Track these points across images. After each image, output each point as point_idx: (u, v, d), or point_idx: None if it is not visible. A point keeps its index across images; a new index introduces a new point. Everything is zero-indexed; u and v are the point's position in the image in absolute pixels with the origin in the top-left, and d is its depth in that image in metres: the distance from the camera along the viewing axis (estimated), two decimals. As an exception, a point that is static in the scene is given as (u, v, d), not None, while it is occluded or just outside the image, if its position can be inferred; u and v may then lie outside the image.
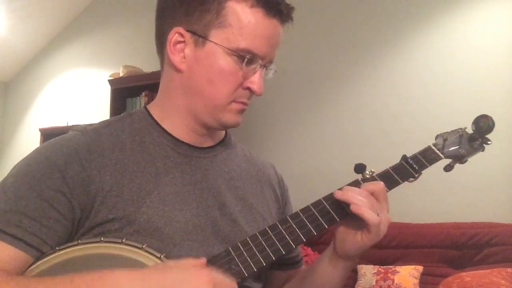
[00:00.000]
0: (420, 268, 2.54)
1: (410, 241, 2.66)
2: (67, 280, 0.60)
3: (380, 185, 0.77)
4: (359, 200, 0.74)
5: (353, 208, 0.74)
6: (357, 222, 0.76)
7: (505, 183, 2.64)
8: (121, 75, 3.73)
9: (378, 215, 0.74)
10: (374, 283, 2.53)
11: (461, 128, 0.89)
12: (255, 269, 0.72)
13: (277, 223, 0.77)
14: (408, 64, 3.04)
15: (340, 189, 0.78)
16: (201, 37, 0.77)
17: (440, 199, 2.77)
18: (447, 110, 2.80)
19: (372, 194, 0.76)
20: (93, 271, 0.61)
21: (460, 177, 2.64)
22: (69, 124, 4.19)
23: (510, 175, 2.63)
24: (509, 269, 2.18)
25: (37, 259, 0.67)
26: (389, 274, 2.53)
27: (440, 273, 2.48)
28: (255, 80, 0.79)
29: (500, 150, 2.50)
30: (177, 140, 0.83)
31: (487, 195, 2.67)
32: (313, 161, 3.30)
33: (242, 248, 0.73)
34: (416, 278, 2.49)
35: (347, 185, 0.80)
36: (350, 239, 0.78)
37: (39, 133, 4.32)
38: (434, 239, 2.60)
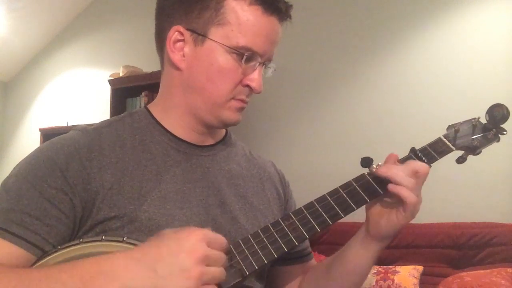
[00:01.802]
0: (420, 268, 2.53)
1: (410, 241, 2.65)
2: (67, 266, 0.60)
3: (426, 168, 0.76)
4: (402, 178, 0.74)
5: (391, 187, 0.74)
6: (391, 201, 0.76)
7: (505, 183, 2.63)
8: (121, 75, 3.72)
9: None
10: (374, 283, 2.52)
11: (474, 118, 0.85)
12: (256, 267, 0.71)
13: (279, 219, 0.76)
14: (408, 63, 3.04)
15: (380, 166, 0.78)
16: (200, 35, 0.77)
17: (440, 199, 2.77)
18: (448, 109, 2.80)
19: (416, 173, 0.75)
20: (92, 258, 0.61)
21: (460, 177, 2.64)
22: (69, 124, 4.18)
23: (510, 175, 2.63)
24: (509, 269, 2.18)
25: (39, 258, 0.67)
26: (389, 274, 2.53)
27: (440, 273, 2.47)
28: (255, 78, 0.79)
29: (500, 150, 2.49)
30: (178, 138, 0.83)
31: (487, 195, 2.66)
32: (314, 160, 3.29)
33: (243, 246, 0.72)
34: (416, 278, 2.48)
35: (353, 180, 0.79)
36: (385, 220, 0.78)
37: (39, 133, 4.31)
38: (434, 239, 2.60)
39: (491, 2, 2.80)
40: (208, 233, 0.62)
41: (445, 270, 2.49)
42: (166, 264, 0.57)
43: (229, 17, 0.76)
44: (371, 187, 0.78)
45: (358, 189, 0.78)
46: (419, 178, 0.75)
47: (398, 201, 0.75)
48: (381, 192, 0.77)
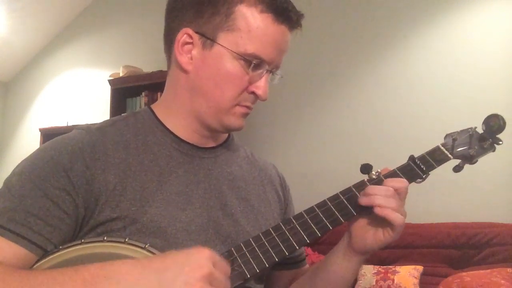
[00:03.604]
0: (420, 268, 2.54)
1: (410, 241, 2.66)
2: (71, 269, 0.61)
3: (405, 183, 0.77)
4: (385, 202, 0.74)
5: (377, 210, 0.74)
6: (377, 219, 0.76)
7: (505, 183, 2.64)
8: (121, 75, 3.72)
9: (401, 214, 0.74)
10: (374, 283, 2.53)
11: (471, 128, 0.86)
12: (257, 270, 0.72)
13: (280, 224, 0.77)
14: (408, 64, 3.04)
15: (359, 187, 0.78)
16: (209, 39, 0.77)
17: (440, 199, 2.77)
18: (448, 110, 2.80)
19: (397, 191, 0.76)
20: (97, 263, 0.61)
21: (461, 177, 2.64)
22: (69, 124, 4.19)
23: (510, 175, 2.63)
24: (509, 269, 2.18)
25: (41, 257, 0.67)
26: (389, 274, 2.53)
27: (440, 273, 2.48)
28: (261, 85, 0.79)
29: (500, 150, 2.49)
30: (181, 140, 0.83)
31: (487, 195, 2.67)
32: (315, 162, 3.29)
33: (244, 249, 0.73)
34: (416, 278, 2.49)
35: (352, 186, 0.80)
36: (371, 236, 0.78)
37: (39, 133, 4.31)
38: (434, 239, 2.60)
39: (491, 2, 2.80)
40: (215, 254, 0.62)
41: (445, 270, 2.50)
42: (171, 275, 0.57)
43: (239, 24, 0.76)
44: None
45: (358, 194, 0.79)
46: (401, 195, 0.76)
47: (385, 221, 0.75)
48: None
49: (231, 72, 0.77)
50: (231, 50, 0.76)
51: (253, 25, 0.75)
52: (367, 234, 0.79)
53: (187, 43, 0.79)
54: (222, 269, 0.62)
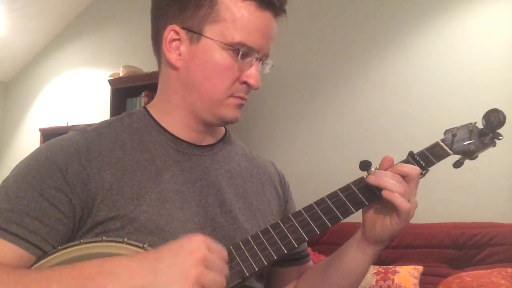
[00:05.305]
0: (420, 268, 2.53)
1: (410, 241, 2.65)
2: (69, 266, 0.61)
3: (417, 170, 0.76)
4: (392, 185, 0.73)
5: (385, 193, 0.74)
6: (386, 206, 0.76)
7: (505, 183, 2.63)
8: (121, 75, 3.72)
9: (409, 201, 0.74)
10: (374, 283, 2.52)
11: (471, 123, 0.86)
12: (256, 269, 0.71)
13: (279, 221, 0.76)
14: (408, 63, 3.04)
15: (370, 174, 0.77)
16: (195, 33, 0.78)
17: (440, 199, 2.77)
18: (447, 109, 2.80)
19: (405, 177, 0.75)
20: (95, 259, 0.62)
21: (461, 177, 2.64)
22: (69, 124, 4.18)
23: (510, 175, 2.63)
24: (509, 269, 2.18)
25: (40, 258, 0.67)
26: (389, 274, 2.53)
27: (440, 273, 2.47)
28: (252, 74, 0.79)
29: (500, 150, 2.49)
30: (177, 138, 0.83)
31: (487, 195, 2.67)
32: (314, 161, 3.29)
33: (243, 247, 0.72)
34: (416, 278, 2.48)
35: (351, 183, 0.79)
36: (379, 224, 0.78)
37: (39, 133, 4.31)
38: (434, 239, 2.60)
39: (491, 2, 2.80)
40: (209, 239, 0.62)
41: (445, 270, 2.50)
42: (166, 264, 0.58)
43: (223, 14, 0.76)
44: (370, 190, 0.78)
45: (357, 192, 0.78)
46: (410, 182, 0.76)
47: (392, 207, 0.75)
48: (379, 195, 0.77)
49: (221, 63, 0.77)
50: (218, 41, 0.76)
51: (237, 14, 0.76)
52: (376, 223, 0.79)
53: (175, 39, 0.80)
54: (218, 252, 0.62)
